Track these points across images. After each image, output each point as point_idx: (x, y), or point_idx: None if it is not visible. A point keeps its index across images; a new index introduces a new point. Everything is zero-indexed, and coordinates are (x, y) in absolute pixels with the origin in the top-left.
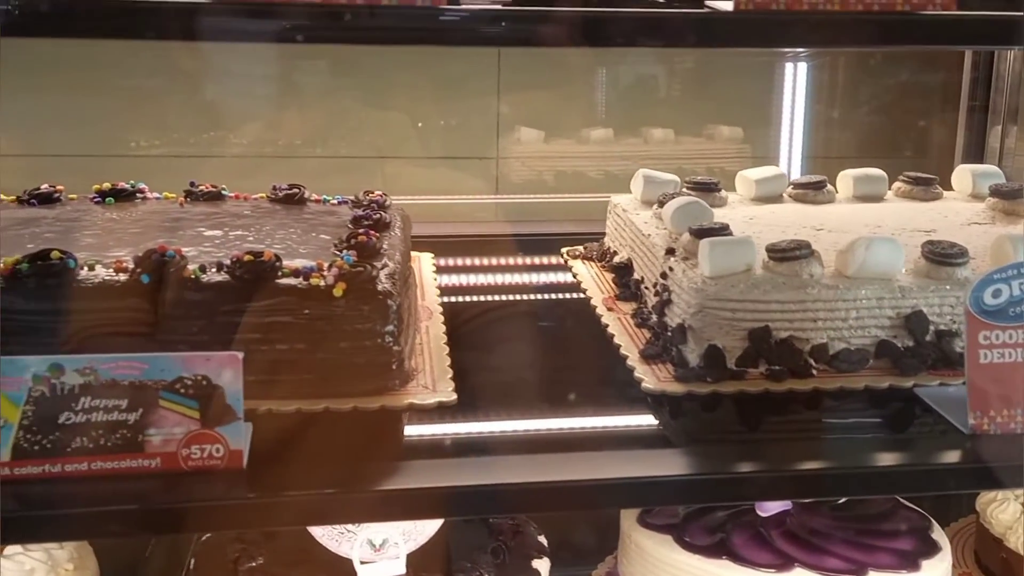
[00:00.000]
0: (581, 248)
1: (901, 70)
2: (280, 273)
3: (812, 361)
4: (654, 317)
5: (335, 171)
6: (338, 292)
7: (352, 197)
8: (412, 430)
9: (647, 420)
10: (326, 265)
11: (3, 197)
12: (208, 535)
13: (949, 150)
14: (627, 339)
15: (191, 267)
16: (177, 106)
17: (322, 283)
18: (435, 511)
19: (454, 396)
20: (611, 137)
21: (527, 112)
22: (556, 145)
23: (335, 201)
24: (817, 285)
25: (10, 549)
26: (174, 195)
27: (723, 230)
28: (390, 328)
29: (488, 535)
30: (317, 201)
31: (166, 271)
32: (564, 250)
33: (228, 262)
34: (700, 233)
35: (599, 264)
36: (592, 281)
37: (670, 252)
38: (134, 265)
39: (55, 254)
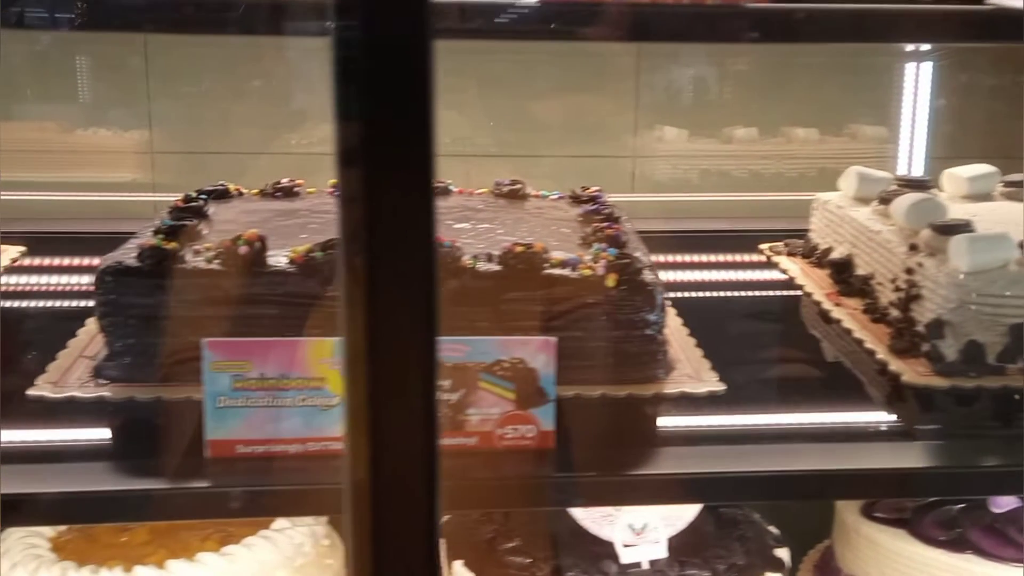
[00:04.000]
0: (782, 244)
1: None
2: (548, 264)
3: None
4: (894, 312)
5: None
6: (611, 283)
7: (569, 193)
8: (683, 419)
9: (908, 414)
10: (587, 257)
11: (244, 191)
12: (448, 516)
13: None
14: (867, 334)
15: (465, 257)
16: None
17: (593, 274)
18: (725, 495)
19: (723, 386)
20: (755, 136)
21: (665, 110)
22: (697, 144)
23: (554, 196)
24: None
25: (278, 523)
26: None
27: (967, 226)
28: (658, 318)
29: (716, 524)
30: (536, 196)
31: (445, 261)
32: (765, 246)
33: (499, 252)
34: (946, 229)
35: (806, 260)
36: (805, 277)
37: (913, 248)
38: None
39: None
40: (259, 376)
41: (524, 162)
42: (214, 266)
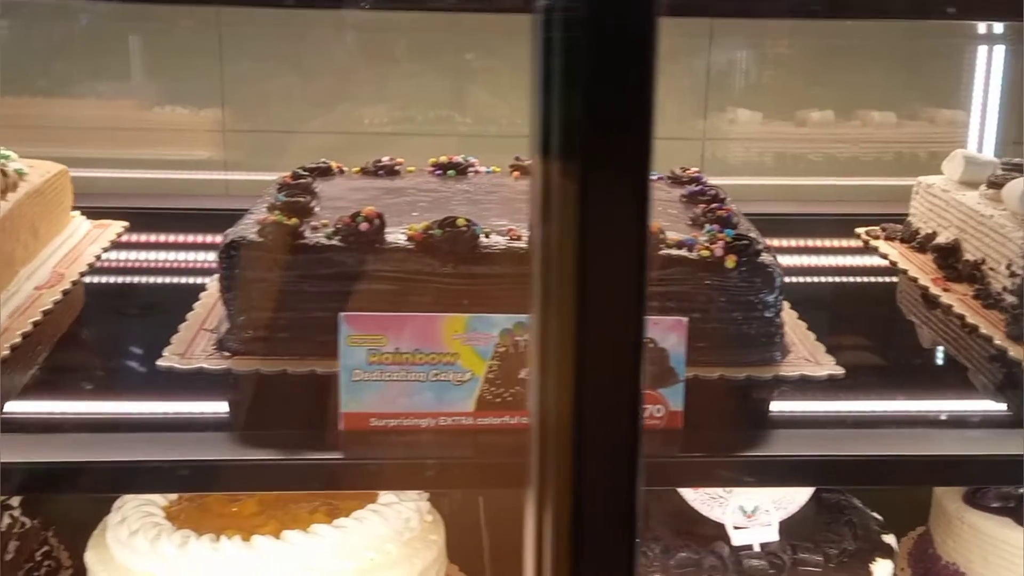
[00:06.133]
0: (879, 228)
1: None
2: (664, 245)
3: None
4: (1009, 298)
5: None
6: (730, 264)
7: (668, 173)
8: (804, 402)
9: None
10: (701, 237)
11: (346, 168)
12: None
13: None
14: (980, 319)
15: None
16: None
17: (711, 255)
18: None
19: (841, 370)
20: (830, 119)
21: (736, 92)
22: (769, 126)
23: (653, 177)
24: None
25: (385, 498)
26: (499, 168)
27: None
28: (776, 300)
29: (817, 510)
30: None
31: None
32: (862, 231)
33: None
34: None
35: (905, 244)
36: (907, 262)
37: None
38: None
39: (460, 221)
40: (394, 350)
41: None
42: (335, 242)
